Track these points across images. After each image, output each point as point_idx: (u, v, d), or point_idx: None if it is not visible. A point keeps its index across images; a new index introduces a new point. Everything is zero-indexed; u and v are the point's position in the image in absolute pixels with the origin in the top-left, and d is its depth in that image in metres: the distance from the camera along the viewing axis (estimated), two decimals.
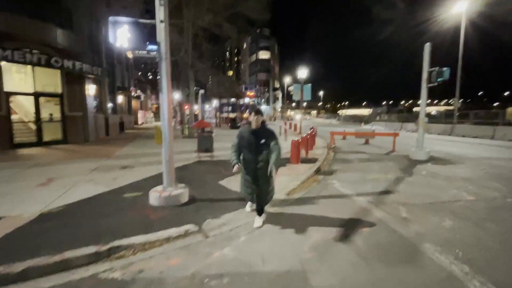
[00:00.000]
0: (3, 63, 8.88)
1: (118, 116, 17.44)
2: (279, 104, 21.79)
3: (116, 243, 2.83)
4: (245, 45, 64.77)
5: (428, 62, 8.09)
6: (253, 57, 63.03)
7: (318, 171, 6.65)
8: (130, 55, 22.56)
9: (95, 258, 2.65)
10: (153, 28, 3.97)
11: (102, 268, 2.53)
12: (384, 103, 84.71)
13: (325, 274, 2.38)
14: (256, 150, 3.14)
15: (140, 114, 27.88)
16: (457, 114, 20.74)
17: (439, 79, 7.87)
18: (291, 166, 6.97)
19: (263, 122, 3.19)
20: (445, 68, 7.66)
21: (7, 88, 9.07)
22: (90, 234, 3.00)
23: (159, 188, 4.20)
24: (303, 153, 8.51)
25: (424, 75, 8.18)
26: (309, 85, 16.54)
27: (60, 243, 2.78)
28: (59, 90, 10.52)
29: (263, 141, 3.11)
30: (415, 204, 4.27)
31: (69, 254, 2.60)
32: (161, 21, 3.90)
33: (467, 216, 3.76)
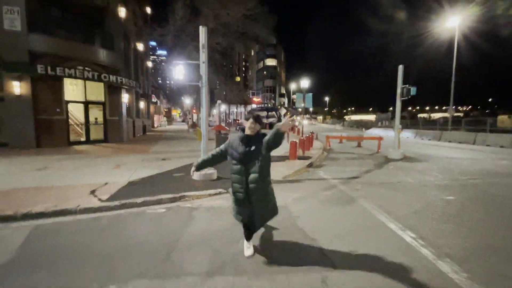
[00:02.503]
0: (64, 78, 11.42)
1: (141, 120, 19.98)
2: (283, 111, 23.88)
3: (182, 193, 5.09)
4: (252, 53, 67.63)
5: (401, 80, 10.20)
6: (260, 64, 65.77)
7: (310, 165, 8.80)
8: (150, 65, 25.22)
9: (173, 200, 4.90)
10: (197, 66, 6.29)
11: (179, 203, 4.78)
12: (390, 109, 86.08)
13: (297, 207, 4.57)
14: (245, 159, 2.59)
15: (155, 118, 30.59)
16: (452, 120, 22.60)
17: (409, 95, 9.98)
18: (289, 161, 9.14)
19: (259, 131, 2.69)
20: (412, 87, 9.79)
21: (66, 97, 11.61)
22: (164, 190, 5.26)
23: None
24: (300, 153, 10.67)
25: (398, 91, 10.30)
26: (310, 94, 18.68)
27: (151, 193, 5.04)
28: (102, 98, 13.04)
29: (253, 147, 2.57)
30: (369, 183, 6.41)
31: (160, 196, 4.88)
32: (203, 62, 6.20)
33: (397, 189, 5.89)
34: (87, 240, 3.37)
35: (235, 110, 36.17)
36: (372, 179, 6.87)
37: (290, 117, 2.40)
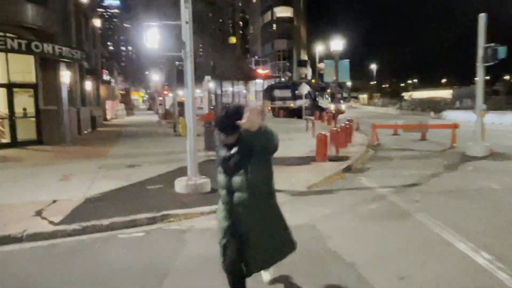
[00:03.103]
0: None
1: (88, 109, 20.78)
2: (305, 88, 24.08)
3: (165, 212, 5.71)
4: None
5: (483, 36, 10.64)
6: (267, 16, 66.28)
7: (347, 169, 9.36)
8: (98, 24, 26.07)
9: (153, 221, 5.52)
10: (178, 28, 6.89)
11: (162, 225, 5.40)
12: (477, 79, 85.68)
13: (329, 226, 5.14)
14: (226, 167, 2.65)
15: (108, 105, 31.50)
16: None
17: (496, 59, 10.42)
18: (316, 164, 9.73)
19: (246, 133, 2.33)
20: (500, 46, 10.23)
21: None
22: (139, 208, 5.87)
23: (184, 178, 7.08)
24: (333, 151, 11.21)
25: (480, 52, 10.74)
26: (347, 61, 19.26)
27: (120, 213, 5.66)
28: (32, 79, 13.79)
29: (233, 150, 2.58)
30: (434, 192, 6.96)
31: (134, 217, 5.50)
32: (186, 22, 6.79)
33: (475, 199, 6.45)
34: (50, 270, 3.99)
35: (231, 89, 36.55)
36: (439, 186, 7.40)
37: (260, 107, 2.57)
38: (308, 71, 62.23)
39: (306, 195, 6.93)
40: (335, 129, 11.99)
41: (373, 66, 72.51)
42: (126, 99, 49.91)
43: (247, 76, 34.14)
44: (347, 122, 14.73)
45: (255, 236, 2.69)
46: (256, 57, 54.95)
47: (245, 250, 2.71)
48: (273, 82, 38.86)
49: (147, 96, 78.08)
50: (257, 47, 70.29)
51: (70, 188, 7.30)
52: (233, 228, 2.71)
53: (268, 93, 38.61)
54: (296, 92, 31.63)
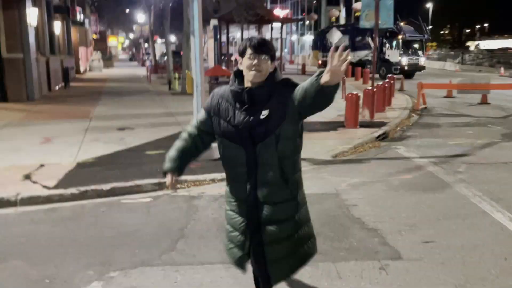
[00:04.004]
0: None
1: (58, 58, 21.68)
2: (336, 35, 24.14)
3: None
4: None
5: None
6: None
7: (382, 137, 10.24)
8: None
9: (158, 187, 6.54)
10: None
11: (169, 192, 6.40)
12: None
13: (354, 195, 6.09)
14: (251, 150, 2.48)
15: (81, 53, 32.33)
16: None
17: None
18: (345, 130, 10.65)
19: (272, 74, 2.44)
20: None
21: None
22: (142, 173, 6.89)
23: None
24: (366, 116, 12.05)
25: None
26: (390, 0, 19.48)
27: (121, 178, 6.68)
28: None
29: (265, 113, 2.39)
30: (482, 163, 7.87)
31: (137, 182, 6.53)
32: None
33: None
34: (58, 231, 5.02)
35: (239, 35, 36.55)
36: (490, 157, 8.32)
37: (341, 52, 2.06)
38: (341, 13, 61.63)
39: (331, 164, 7.88)
40: (370, 88, 12.69)
41: (429, 6, 71.38)
42: (101, 46, 50.49)
43: (261, 19, 33.46)
44: (386, 80, 15.42)
45: (279, 231, 2.60)
46: None
47: (264, 260, 2.64)
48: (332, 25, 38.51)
49: (129, 43, 78.48)
50: None
51: (56, 152, 8.35)
52: (254, 233, 2.61)
53: (319, 41, 38.61)
54: (357, 39, 31.63)
